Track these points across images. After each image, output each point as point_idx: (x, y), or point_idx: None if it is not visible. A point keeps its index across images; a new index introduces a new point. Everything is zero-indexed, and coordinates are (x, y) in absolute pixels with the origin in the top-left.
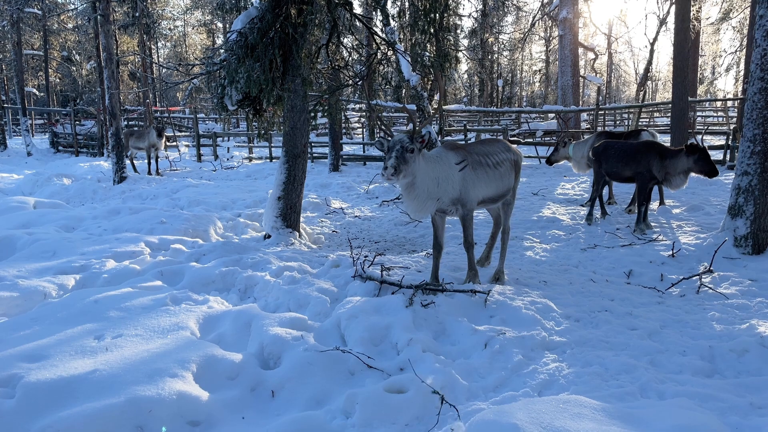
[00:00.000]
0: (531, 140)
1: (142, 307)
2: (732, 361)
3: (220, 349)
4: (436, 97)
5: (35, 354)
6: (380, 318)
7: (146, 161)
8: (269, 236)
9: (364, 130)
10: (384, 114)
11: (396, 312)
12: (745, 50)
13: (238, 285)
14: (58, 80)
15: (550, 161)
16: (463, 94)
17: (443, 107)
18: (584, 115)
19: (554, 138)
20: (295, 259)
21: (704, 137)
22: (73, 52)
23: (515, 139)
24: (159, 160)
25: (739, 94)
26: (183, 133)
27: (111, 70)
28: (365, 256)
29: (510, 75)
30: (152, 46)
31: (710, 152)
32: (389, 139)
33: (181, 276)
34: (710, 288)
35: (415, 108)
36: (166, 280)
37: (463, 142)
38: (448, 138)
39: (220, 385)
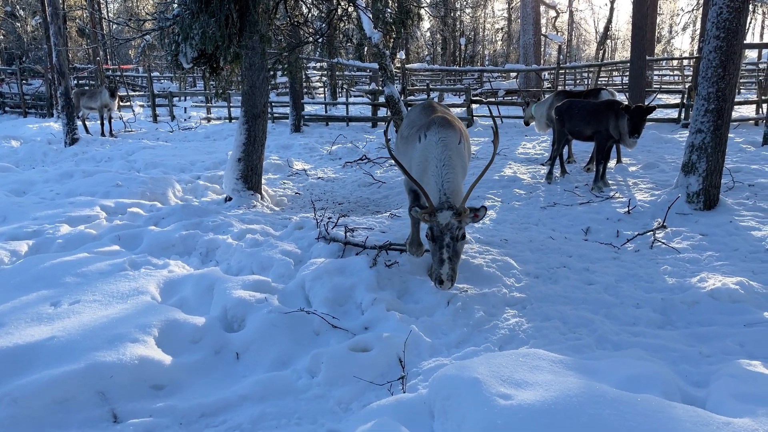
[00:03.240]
0: (493, 100)
1: (100, 273)
2: (683, 312)
3: (183, 313)
4: (399, 55)
5: None
6: (344, 279)
7: (99, 122)
8: (230, 199)
9: (326, 89)
10: (346, 73)
11: (360, 272)
12: (701, 9)
13: (200, 248)
14: (1, 37)
15: (526, 122)
16: (426, 53)
17: (406, 66)
18: (545, 74)
19: (516, 98)
20: (258, 221)
21: (658, 96)
22: (17, 6)
23: (478, 98)
24: (112, 120)
25: (695, 52)
26: (137, 93)
27: (57, 26)
28: (329, 218)
29: (472, 33)
30: (101, 0)
31: (666, 110)
32: (434, 219)
33: (139, 240)
34: (663, 243)
35: (377, 67)
36: (123, 245)
37: (438, 113)
38: (411, 98)
39: (183, 349)
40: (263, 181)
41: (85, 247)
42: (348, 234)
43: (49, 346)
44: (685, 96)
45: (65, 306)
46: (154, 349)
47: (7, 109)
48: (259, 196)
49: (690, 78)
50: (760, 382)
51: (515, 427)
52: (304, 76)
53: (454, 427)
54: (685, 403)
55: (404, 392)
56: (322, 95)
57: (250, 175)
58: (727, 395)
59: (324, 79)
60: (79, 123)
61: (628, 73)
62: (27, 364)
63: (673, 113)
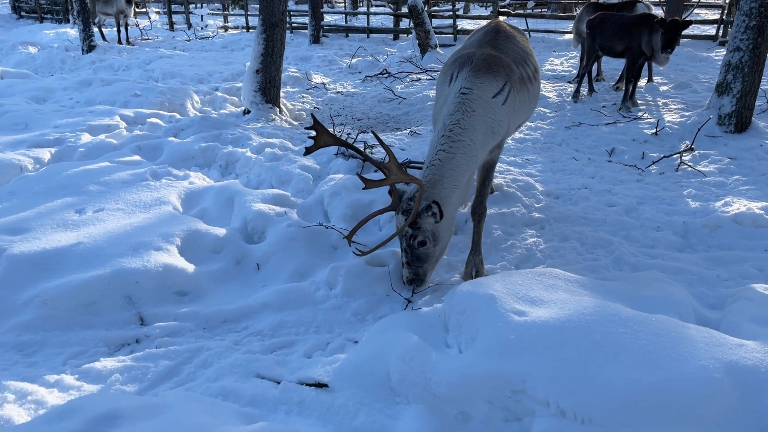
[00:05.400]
0: (521, 12)
1: (122, 182)
2: (704, 236)
3: (204, 223)
4: None
5: (16, 227)
6: (363, 195)
7: (115, 29)
8: (248, 111)
9: None
10: None
11: (378, 189)
12: None
13: (219, 161)
14: None
15: None
16: None
17: None
18: None
19: (546, 10)
20: (276, 135)
21: (696, 10)
22: None
23: (505, 10)
24: (129, 28)
25: None
26: None
27: None
28: (348, 134)
29: None
30: None
31: (703, 27)
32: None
33: (159, 151)
34: (689, 166)
35: None
36: (144, 155)
37: (490, 45)
38: (434, 9)
39: (205, 258)
40: (282, 94)
41: (107, 156)
42: (367, 151)
43: (76, 252)
44: (725, 11)
45: (89, 213)
46: (177, 258)
47: (23, 14)
48: (278, 109)
49: None
50: None
51: (528, 342)
52: None
53: (468, 340)
54: (699, 324)
55: (408, 306)
56: (342, 4)
57: (268, 88)
58: (743, 318)
59: None
60: (95, 30)
61: None
62: (54, 269)
63: (711, 30)
